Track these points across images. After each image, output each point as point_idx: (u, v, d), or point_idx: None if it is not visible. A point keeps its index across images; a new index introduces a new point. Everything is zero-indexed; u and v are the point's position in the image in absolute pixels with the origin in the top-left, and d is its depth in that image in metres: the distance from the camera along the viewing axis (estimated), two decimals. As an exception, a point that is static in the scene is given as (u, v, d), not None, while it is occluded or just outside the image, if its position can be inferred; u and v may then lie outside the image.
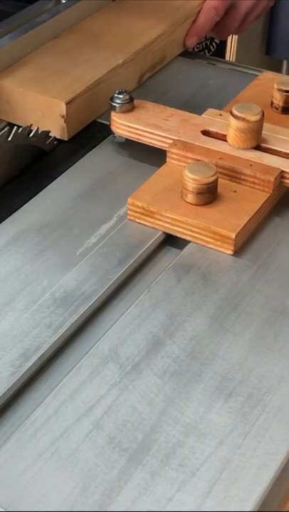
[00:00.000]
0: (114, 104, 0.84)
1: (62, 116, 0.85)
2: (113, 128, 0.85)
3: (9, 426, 0.59)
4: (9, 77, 0.88)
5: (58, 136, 0.86)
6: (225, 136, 0.80)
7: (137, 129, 0.83)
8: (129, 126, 0.83)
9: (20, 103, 0.87)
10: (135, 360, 0.64)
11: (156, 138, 0.82)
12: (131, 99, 0.84)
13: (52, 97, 0.85)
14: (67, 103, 0.85)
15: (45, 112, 0.86)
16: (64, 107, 0.85)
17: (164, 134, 0.82)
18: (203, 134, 0.82)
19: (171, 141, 0.81)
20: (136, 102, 0.85)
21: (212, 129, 0.82)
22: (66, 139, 0.87)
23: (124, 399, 0.61)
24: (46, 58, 0.92)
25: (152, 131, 0.82)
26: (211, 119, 0.84)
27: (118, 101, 0.84)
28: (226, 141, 0.80)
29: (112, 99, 0.84)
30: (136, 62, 0.94)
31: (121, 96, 0.84)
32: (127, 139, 0.85)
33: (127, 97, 0.84)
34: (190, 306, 0.68)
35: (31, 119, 0.86)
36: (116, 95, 0.84)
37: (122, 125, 0.84)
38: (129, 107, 0.84)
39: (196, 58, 1.03)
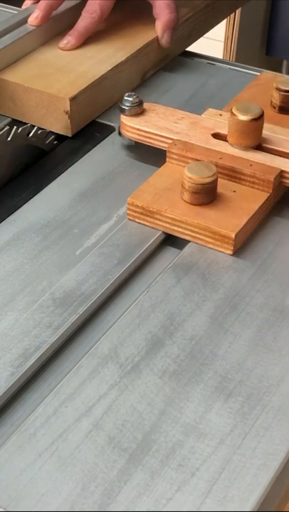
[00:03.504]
0: (123, 107, 0.84)
1: (67, 113, 0.85)
2: (123, 131, 0.84)
3: (9, 426, 0.59)
4: (13, 74, 0.88)
5: (62, 133, 0.87)
6: (225, 136, 0.80)
7: (147, 132, 0.83)
8: (139, 129, 0.83)
9: (24, 100, 0.87)
10: (135, 360, 0.64)
11: (166, 141, 0.81)
12: (140, 102, 0.84)
13: (56, 93, 0.85)
14: (72, 99, 0.85)
15: (49, 109, 0.86)
16: (68, 102, 0.85)
17: (175, 137, 0.81)
18: (214, 137, 0.81)
19: None
20: (146, 104, 0.85)
21: (222, 132, 0.81)
22: (70, 136, 0.87)
23: (123, 399, 0.61)
24: (50, 55, 0.92)
25: (162, 134, 0.82)
26: (216, 120, 0.83)
27: (128, 104, 0.83)
28: (226, 141, 0.80)
29: (121, 102, 0.84)
30: (139, 59, 0.94)
31: (131, 99, 0.83)
32: (136, 142, 0.84)
33: (137, 99, 0.83)
34: (190, 306, 0.68)
35: (35, 115, 0.87)
36: (126, 98, 0.83)
37: (131, 128, 0.83)
38: (139, 109, 0.84)
39: (196, 58, 1.03)
